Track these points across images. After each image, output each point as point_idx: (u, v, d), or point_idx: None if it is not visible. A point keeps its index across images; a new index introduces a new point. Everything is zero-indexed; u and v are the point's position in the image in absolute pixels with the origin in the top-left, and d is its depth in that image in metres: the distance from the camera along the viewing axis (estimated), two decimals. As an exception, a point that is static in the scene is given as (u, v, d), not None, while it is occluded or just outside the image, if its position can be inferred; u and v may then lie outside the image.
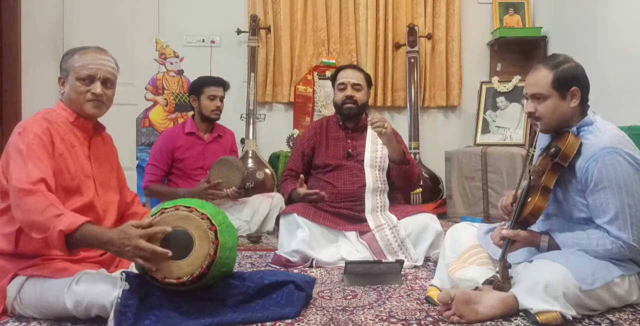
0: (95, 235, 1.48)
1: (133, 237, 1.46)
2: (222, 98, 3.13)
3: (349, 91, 2.63)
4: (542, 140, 1.90)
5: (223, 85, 3.15)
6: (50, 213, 1.46)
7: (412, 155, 2.92)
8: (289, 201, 2.66)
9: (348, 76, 2.66)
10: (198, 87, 3.10)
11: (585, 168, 1.65)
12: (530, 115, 1.78)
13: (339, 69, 2.74)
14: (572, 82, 1.70)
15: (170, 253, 1.49)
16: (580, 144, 1.68)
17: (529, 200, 1.70)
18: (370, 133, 2.69)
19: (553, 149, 1.70)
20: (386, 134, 2.39)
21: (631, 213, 1.61)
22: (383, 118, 2.42)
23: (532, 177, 1.74)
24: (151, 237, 1.50)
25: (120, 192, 1.93)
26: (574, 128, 1.73)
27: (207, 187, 2.85)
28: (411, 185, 2.71)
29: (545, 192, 1.69)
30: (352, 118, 2.68)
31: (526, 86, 1.78)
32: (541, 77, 1.72)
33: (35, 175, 1.52)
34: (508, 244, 1.69)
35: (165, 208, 1.58)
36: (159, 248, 1.48)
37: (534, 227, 1.89)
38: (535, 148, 1.97)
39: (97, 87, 1.70)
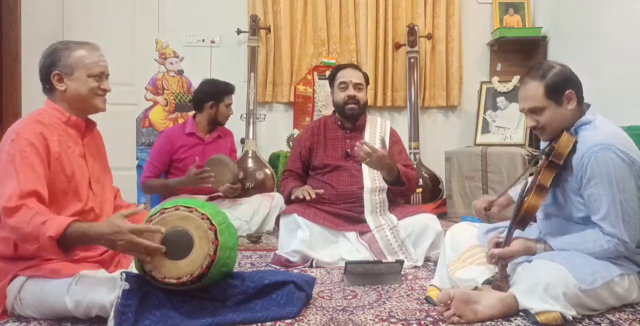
0: (84, 232, 1.46)
1: (125, 232, 1.44)
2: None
3: (351, 91, 2.60)
4: (544, 143, 1.90)
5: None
6: (36, 222, 1.44)
7: (411, 159, 2.89)
8: (289, 199, 2.65)
9: (349, 75, 2.63)
10: (219, 94, 3.13)
11: (579, 164, 1.66)
12: (534, 128, 1.79)
13: (338, 68, 2.71)
14: (564, 86, 1.71)
15: (163, 248, 1.48)
16: (575, 142, 1.68)
17: (525, 199, 1.70)
18: (368, 132, 2.68)
19: (548, 148, 1.72)
20: (372, 162, 2.34)
21: (623, 209, 1.61)
22: (369, 151, 2.28)
23: (532, 178, 1.75)
24: (149, 236, 1.49)
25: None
26: (572, 129, 1.73)
27: (195, 172, 2.83)
28: (408, 193, 2.70)
29: (540, 191, 1.69)
30: (353, 118, 2.67)
31: (520, 102, 1.79)
32: (532, 90, 1.72)
33: (25, 188, 1.49)
34: (504, 262, 1.69)
35: (165, 208, 1.58)
36: (152, 244, 1.46)
37: (535, 228, 1.89)
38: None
39: (107, 83, 1.76)
